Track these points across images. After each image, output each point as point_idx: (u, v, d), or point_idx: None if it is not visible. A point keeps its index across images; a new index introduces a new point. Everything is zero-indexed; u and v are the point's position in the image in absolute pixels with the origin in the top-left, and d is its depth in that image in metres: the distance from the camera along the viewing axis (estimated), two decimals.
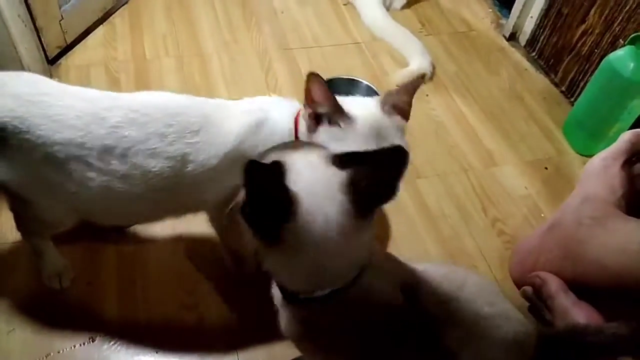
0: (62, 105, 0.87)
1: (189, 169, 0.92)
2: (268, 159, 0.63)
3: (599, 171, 1.11)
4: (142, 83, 1.60)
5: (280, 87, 1.64)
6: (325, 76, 1.56)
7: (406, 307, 0.73)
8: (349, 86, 1.60)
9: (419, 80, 0.90)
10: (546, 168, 1.51)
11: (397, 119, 0.94)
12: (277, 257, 0.65)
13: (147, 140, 0.89)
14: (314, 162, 0.65)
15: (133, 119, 0.89)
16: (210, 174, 0.94)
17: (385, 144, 0.88)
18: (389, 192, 0.63)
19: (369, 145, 0.88)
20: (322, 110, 0.90)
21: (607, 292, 1.02)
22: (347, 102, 0.92)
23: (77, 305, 1.12)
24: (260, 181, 0.59)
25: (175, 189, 0.93)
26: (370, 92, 1.58)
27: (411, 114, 0.96)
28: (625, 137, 1.11)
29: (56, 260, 1.12)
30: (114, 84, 1.59)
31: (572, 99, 1.68)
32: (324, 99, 0.89)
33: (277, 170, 0.62)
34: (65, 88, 0.92)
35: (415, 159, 1.48)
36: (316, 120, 0.92)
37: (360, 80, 1.60)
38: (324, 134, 0.91)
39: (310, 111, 0.92)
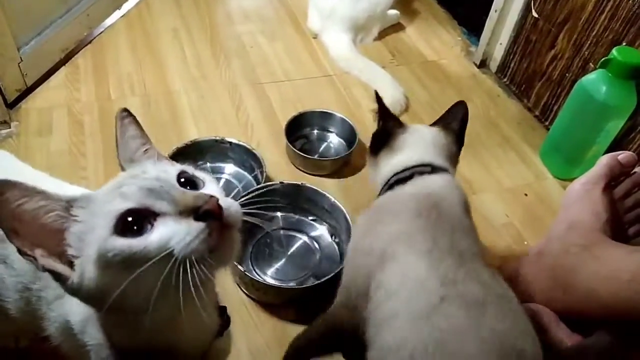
0: None
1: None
2: None
3: (582, 196, 1.09)
4: (106, 124, 1.53)
5: (252, 122, 1.59)
6: (298, 110, 1.55)
7: None
8: (323, 119, 1.57)
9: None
10: (526, 194, 1.49)
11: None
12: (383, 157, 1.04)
13: None
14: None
15: None
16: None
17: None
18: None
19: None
20: None
21: (598, 321, 0.99)
22: None
23: None
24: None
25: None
26: (344, 124, 1.55)
27: None
28: (603, 161, 1.09)
29: None
30: (77, 126, 1.53)
31: (547, 123, 1.67)
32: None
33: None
34: None
35: None
36: None
37: (334, 112, 1.57)
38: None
39: None
